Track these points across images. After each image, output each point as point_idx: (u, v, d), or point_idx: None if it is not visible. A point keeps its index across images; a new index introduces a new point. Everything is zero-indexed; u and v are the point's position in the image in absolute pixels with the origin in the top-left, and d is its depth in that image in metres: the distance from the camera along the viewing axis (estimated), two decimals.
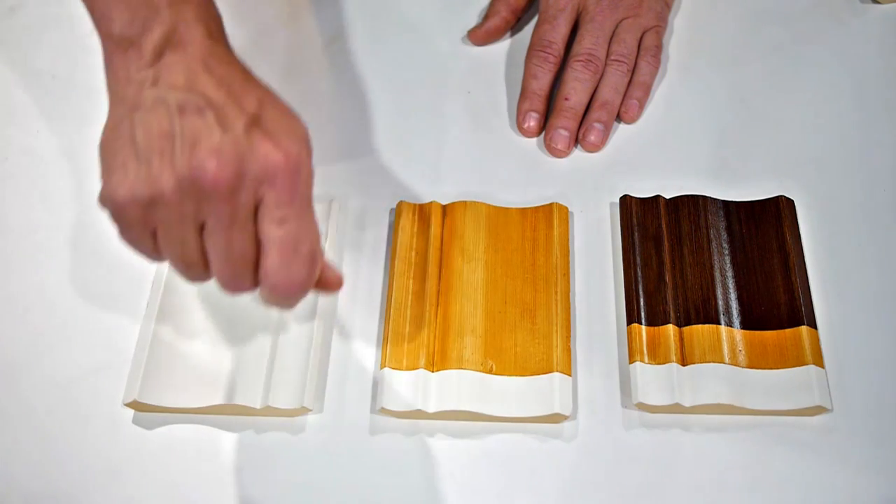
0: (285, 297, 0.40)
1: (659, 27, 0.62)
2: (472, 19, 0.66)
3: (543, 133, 0.59)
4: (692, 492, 0.46)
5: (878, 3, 0.65)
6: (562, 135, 0.58)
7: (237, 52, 0.41)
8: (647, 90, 0.60)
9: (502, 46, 0.65)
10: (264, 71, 0.63)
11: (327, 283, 0.44)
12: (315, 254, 0.40)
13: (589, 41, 0.60)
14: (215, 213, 0.38)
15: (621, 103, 0.60)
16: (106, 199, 0.39)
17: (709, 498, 0.46)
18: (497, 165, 0.59)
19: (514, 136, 0.60)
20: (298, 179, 0.38)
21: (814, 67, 0.62)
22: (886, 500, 0.46)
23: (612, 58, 0.60)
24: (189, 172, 0.37)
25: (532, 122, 0.59)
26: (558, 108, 0.59)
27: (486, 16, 0.65)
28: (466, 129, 0.60)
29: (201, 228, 0.39)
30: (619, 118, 0.60)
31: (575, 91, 0.59)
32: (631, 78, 0.60)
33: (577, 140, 0.59)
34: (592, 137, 0.58)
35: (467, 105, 0.62)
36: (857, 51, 0.63)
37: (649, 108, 0.61)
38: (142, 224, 0.39)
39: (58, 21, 0.68)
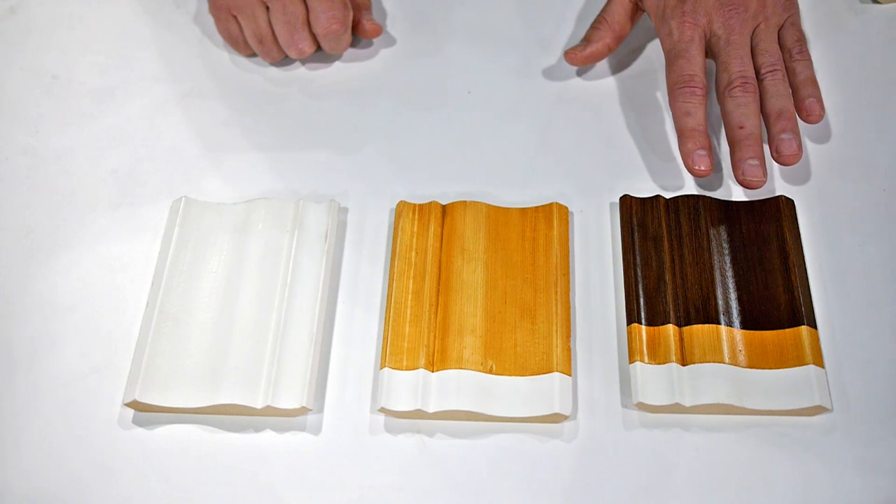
0: (335, 36, 0.61)
1: (792, 16, 0.59)
2: (473, 19, 0.66)
3: (731, 169, 0.55)
4: (692, 492, 0.46)
5: (878, 2, 0.66)
6: (754, 165, 0.54)
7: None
8: (815, 84, 0.57)
9: (502, 46, 0.65)
10: (263, 69, 0.64)
11: (364, 30, 0.64)
12: (346, 2, 0.61)
13: (736, 65, 0.56)
14: None
15: (798, 108, 0.56)
16: (210, 6, 0.64)
17: (709, 498, 0.46)
18: (497, 165, 0.59)
19: (514, 135, 0.60)
20: None
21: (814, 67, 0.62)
22: (886, 500, 0.46)
23: (764, 72, 0.56)
24: None
25: (704, 161, 0.54)
26: (737, 140, 0.55)
27: (588, 38, 0.61)
28: (466, 129, 0.61)
29: (266, 9, 0.61)
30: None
31: (746, 117, 0.55)
32: (792, 82, 0.57)
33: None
34: (786, 149, 0.54)
35: (467, 105, 0.62)
36: (857, 51, 0.63)
37: (649, 108, 0.61)
38: (227, 12, 0.62)
39: (58, 21, 0.68)
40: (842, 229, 0.55)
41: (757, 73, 0.56)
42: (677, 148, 0.58)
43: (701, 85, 0.56)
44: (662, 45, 0.59)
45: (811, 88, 0.56)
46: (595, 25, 0.62)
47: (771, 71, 0.56)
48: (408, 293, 0.51)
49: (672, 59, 0.57)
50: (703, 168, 0.54)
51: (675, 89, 0.57)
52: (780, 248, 0.52)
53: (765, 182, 0.54)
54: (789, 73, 0.57)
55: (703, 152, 0.55)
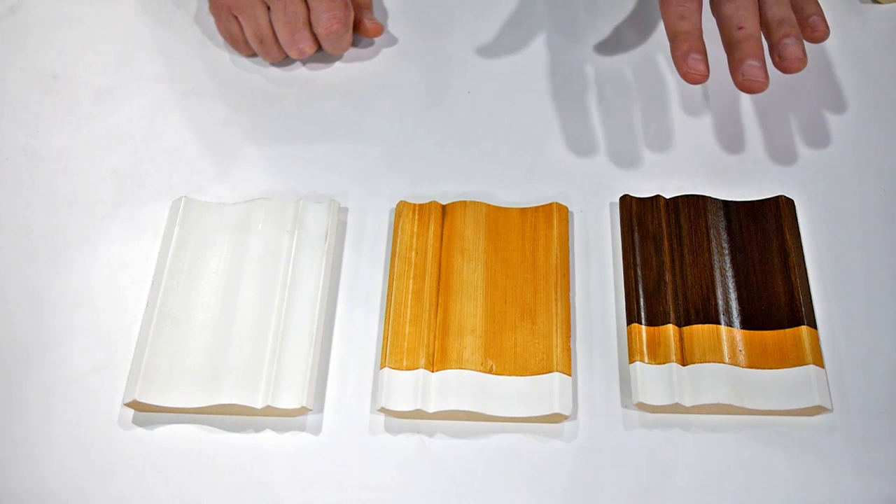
0: (336, 36, 0.60)
1: None
2: (473, 18, 0.66)
3: (730, 74, 0.52)
4: (692, 492, 0.46)
5: (879, 2, 0.66)
6: (754, 66, 0.50)
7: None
8: (817, 2, 0.54)
9: (502, 46, 0.65)
10: (263, 69, 0.64)
11: (366, 29, 0.63)
12: (347, 2, 0.60)
13: None
14: None
15: (801, 27, 0.53)
16: (211, 5, 0.63)
17: (709, 498, 0.46)
18: (497, 165, 0.59)
19: (514, 135, 0.60)
20: None
21: (814, 67, 0.62)
22: (886, 500, 0.46)
23: None
24: None
25: (699, 64, 0.50)
26: (736, 40, 0.51)
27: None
28: (466, 129, 0.60)
29: (267, 9, 0.60)
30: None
31: (746, 18, 0.51)
32: (792, 1, 0.54)
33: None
34: (790, 53, 0.51)
35: (467, 105, 0.62)
36: (857, 51, 0.63)
37: (650, 108, 0.61)
38: (228, 12, 0.61)
39: (58, 21, 0.68)
40: (842, 229, 0.55)
41: None
42: (676, 146, 0.58)
43: None
44: None
45: (813, 6, 0.54)
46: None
47: None
48: (408, 293, 0.51)
49: None
50: (698, 71, 0.50)
51: None
52: (780, 248, 0.52)
53: (766, 85, 0.50)
54: None
55: (698, 56, 0.50)
